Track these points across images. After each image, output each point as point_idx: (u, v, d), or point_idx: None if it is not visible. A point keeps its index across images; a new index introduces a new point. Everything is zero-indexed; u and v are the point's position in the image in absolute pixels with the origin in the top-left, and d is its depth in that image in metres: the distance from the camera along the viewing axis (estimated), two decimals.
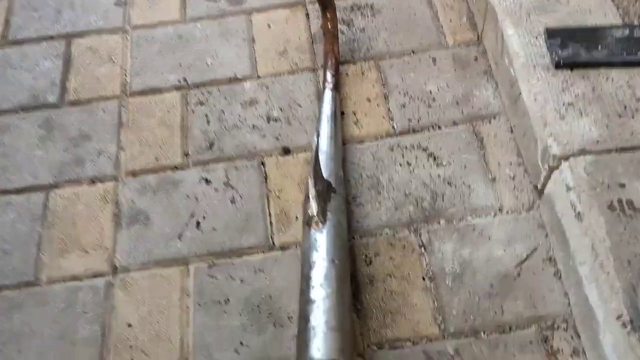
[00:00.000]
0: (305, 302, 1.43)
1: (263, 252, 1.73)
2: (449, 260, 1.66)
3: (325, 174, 1.66)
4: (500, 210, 1.73)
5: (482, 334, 1.55)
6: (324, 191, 1.62)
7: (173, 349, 1.59)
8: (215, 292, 1.67)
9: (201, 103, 2.04)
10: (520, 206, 1.73)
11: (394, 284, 1.64)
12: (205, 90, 2.07)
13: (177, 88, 2.08)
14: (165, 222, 1.80)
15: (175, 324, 1.63)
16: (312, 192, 1.57)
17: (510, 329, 1.55)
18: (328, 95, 1.91)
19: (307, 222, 1.59)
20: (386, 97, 1.99)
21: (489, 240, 1.68)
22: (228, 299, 1.66)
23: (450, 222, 1.72)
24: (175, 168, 1.91)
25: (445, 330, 1.56)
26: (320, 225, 1.56)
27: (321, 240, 1.54)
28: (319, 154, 1.67)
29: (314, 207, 1.56)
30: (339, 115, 1.90)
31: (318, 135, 1.75)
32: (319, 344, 1.33)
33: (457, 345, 1.53)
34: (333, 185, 1.67)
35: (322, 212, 1.57)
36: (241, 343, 1.58)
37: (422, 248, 1.69)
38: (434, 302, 1.60)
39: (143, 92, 2.08)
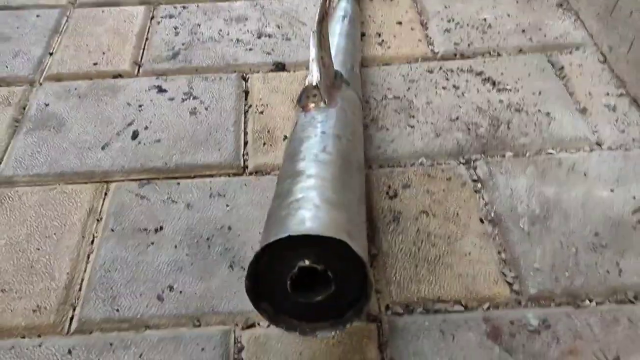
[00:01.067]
0: (287, 176, 0.79)
1: (228, 174, 1.10)
2: (523, 198, 1.02)
3: (335, 65, 1.07)
4: (600, 144, 1.12)
5: (588, 301, 0.88)
6: (331, 67, 1.02)
7: (53, 288, 0.92)
8: (141, 217, 1.02)
9: (171, 16, 1.51)
10: (630, 141, 1.12)
11: (433, 224, 0.99)
12: (179, 5, 1.54)
13: (143, 2, 1.55)
14: (87, 130, 1.19)
15: (65, 255, 0.96)
16: (313, 54, 0.98)
17: (635, 297, 0.88)
18: (343, 1, 1.37)
19: (302, 103, 0.97)
20: (423, 24, 1.45)
21: (586, 178, 1.05)
22: (161, 227, 1.00)
23: (521, 155, 1.11)
24: (119, 76, 1.32)
25: (522, 293, 0.89)
26: (321, 104, 0.95)
27: (322, 118, 0.93)
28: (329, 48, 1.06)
29: (314, 74, 0.96)
30: (358, 19, 1.35)
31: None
32: (307, 215, 0.68)
33: (545, 314, 0.86)
34: (345, 77, 1.08)
35: (326, 90, 0.97)
36: (171, 288, 0.91)
37: (478, 183, 1.06)
38: (500, 252, 0.94)
39: (96, 4, 1.55)
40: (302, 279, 0.70)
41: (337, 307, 0.73)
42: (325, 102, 0.97)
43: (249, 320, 0.88)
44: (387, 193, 1.06)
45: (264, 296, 0.72)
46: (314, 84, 0.97)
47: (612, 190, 1.04)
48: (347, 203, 0.74)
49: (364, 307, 0.72)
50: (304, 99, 0.99)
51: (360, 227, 0.75)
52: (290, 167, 0.81)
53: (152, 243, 0.99)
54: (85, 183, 1.10)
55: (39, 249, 0.98)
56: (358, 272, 0.70)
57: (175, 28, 1.47)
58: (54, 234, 1.00)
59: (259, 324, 0.88)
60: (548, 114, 1.19)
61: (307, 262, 0.68)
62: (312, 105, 0.97)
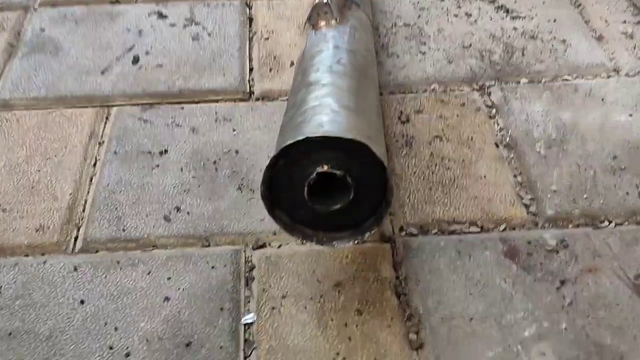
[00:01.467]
0: (300, 87, 0.75)
1: (234, 100, 1.06)
2: (540, 123, 0.99)
3: None
4: (617, 71, 1.09)
5: (606, 222, 0.85)
6: None
7: (56, 208, 0.88)
8: (146, 141, 0.98)
9: None
10: None
11: (447, 149, 0.96)
12: None
13: None
14: (85, 55, 1.14)
15: (67, 176, 0.92)
16: None
17: None
18: None
19: (312, 20, 0.93)
20: None
21: (604, 103, 1.02)
22: (166, 150, 0.97)
23: (537, 81, 1.07)
24: (117, 2, 1.27)
25: (540, 214, 0.87)
26: (332, 21, 0.91)
27: (334, 34, 0.88)
28: None
29: None
30: None
31: None
32: (325, 120, 0.64)
33: (563, 235, 0.83)
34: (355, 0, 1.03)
35: (338, 8, 0.92)
36: (178, 209, 0.88)
37: (493, 109, 1.03)
38: (515, 175, 0.92)
39: None
40: (319, 187, 0.67)
41: (355, 216, 0.70)
42: (336, 20, 0.93)
43: (260, 240, 0.85)
44: (399, 118, 1.03)
45: (280, 204, 0.70)
46: (325, 0, 0.93)
47: (630, 115, 1.01)
48: (366, 110, 0.71)
49: (384, 214, 0.69)
50: (314, 16, 0.94)
51: (380, 134, 0.72)
52: (303, 79, 0.77)
53: (157, 166, 0.95)
54: (85, 107, 1.06)
55: (39, 171, 0.94)
56: (378, 178, 0.67)
57: None
58: (55, 155, 0.97)
59: (269, 245, 0.85)
60: (564, 41, 1.16)
61: (325, 168, 0.65)
62: (322, 23, 0.93)
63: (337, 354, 0.72)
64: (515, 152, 0.97)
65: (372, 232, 0.71)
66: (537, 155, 0.96)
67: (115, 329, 0.75)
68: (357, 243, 0.72)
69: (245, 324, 0.76)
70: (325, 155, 0.65)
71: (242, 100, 1.08)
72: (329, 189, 0.68)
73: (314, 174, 0.65)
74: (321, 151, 0.65)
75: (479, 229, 0.87)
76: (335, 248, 0.73)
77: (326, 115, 0.65)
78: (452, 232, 0.86)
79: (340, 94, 0.70)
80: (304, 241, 0.71)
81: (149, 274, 0.81)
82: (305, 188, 0.66)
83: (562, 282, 0.79)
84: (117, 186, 0.92)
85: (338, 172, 0.65)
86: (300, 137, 0.63)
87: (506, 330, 0.74)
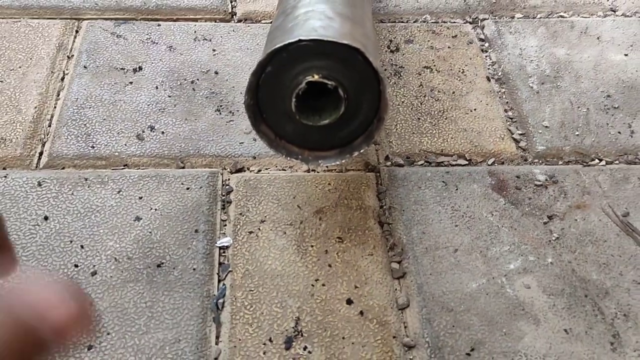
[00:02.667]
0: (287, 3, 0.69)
1: (214, 20, 1.00)
2: (533, 58, 0.95)
3: None
4: (614, 10, 1.05)
5: (597, 160, 0.82)
6: None
7: (19, 121, 0.82)
8: (118, 57, 0.91)
9: None
10: None
11: (437, 80, 0.91)
12: None
13: None
14: None
15: (32, 89, 0.86)
16: None
17: None
18: None
19: None
20: None
21: (599, 42, 0.98)
22: (140, 67, 0.90)
23: (532, 16, 1.03)
24: None
25: (530, 149, 0.84)
26: None
27: None
28: None
29: None
30: None
31: None
32: (318, 25, 0.59)
33: (552, 171, 0.80)
34: None
35: None
36: (152, 128, 0.82)
37: (486, 42, 0.99)
38: (507, 110, 0.88)
39: None
40: (307, 100, 0.62)
41: (344, 134, 0.66)
42: None
43: (238, 164, 0.81)
44: (389, 47, 0.98)
45: (264, 117, 0.65)
46: None
47: (626, 55, 0.97)
48: (361, 20, 0.65)
49: (375, 132, 0.65)
50: None
51: (376, 46, 0.67)
52: None
53: (131, 83, 0.90)
54: (54, 18, 0.99)
55: (2, 81, 0.88)
56: (371, 92, 0.62)
57: None
58: (19, 67, 0.90)
59: (248, 169, 0.81)
60: None
61: (316, 77, 0.60)
62: None
63: (316, 280, 0.69)
64: (507, 86, 0.93)
65: (362, 151, 0.66)
66: (530, 90, 0.92)
67: (82, 246, 0.70)
68: (344, 162, 0.68)
69: (220, 247, 0.72)
70: (316, 63, 0.60)
71: (223, 20, 1.01)
72: (317, 103, 0.63)
73: (304, 84, 0.60)
74: (313, 58, 0.60)
75: (467, 162, 0.83)
76: (321, 167, 0.68)
77: (320, 20, 0.60)
78: (440, 164, 0.83)
79: (334, 1, 0.65)
80: (289, 158, 0.67)
81: (119, 192, 0.76)
82: (293, 99, 0.61)
83: (550, 218, 0.76)
84: (86, 102, 0.86)
85: (330, 83, 0.60)
86: (292, 40, 0.58)
87: (491, 262, 0.72)
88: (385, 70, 0.94)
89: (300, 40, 0.58)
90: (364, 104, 0.63)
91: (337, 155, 0.66)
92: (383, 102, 0.62)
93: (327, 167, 0.76)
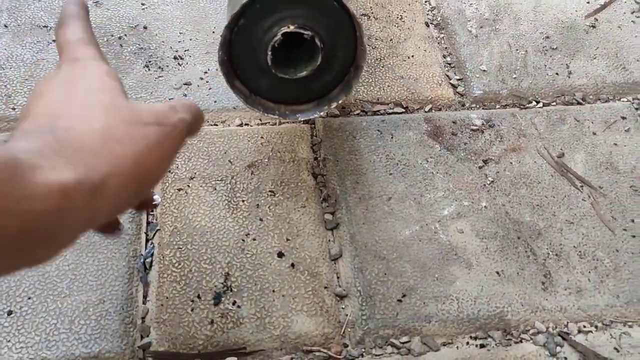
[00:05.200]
0: None
1: None
2: (473, 2, 0.94)
3: None
4: None
5: (534, 102, 0.82)
6: None
7: None
8: (42, 14, 0.88)
9: None
10: None
11: (375, 27, 0.90)
12: None
13: None
14: None
15: None
16: None
17: (583, 99, 0.82)
18: None
19: None
20: None
21: None
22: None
23: None
24: None
25: (467, 95, 0.82)
26: None
27: None
28: None
29: None
30: None
31: None
32: None
33: (489, 115, 0.79)
34: None
35: None
36: None
37: None
38: (445, 55, 0.86)
39: None
40: (281, 52, 0.60)
41: (320, 86, 0.64)
42: None
43: None
44: None
45: (239, 74, 0.62)
46: None
47: None
48: None
49: (353, 82, 0.62)
50: None
51: None
52: None
53: (54, 41, 0.85)
54: None
55: None
56: (347, 40, 0.60)
57: None
58: None
59: None
60: None
61: (292, 28, 0.57)
62: None
63: (247, 234, 0.68)
64: (446, 31, 0.91)
65: (340, 102, 0.64)
66: (468, 34, 0.90)
67: None
68: (319, 115, 0.66)
69: None
70: (290, 13, 0.58)
71: None
72: (291, 54, 0.60)
73: (279, 35, 0.57)
74: (286, 7, 0.57)
75: (403, 110, 0.82)
76: (299, 121, 0.65)
77: None
78: (376, 113, 0.81)
79: None
80: (266, 114, 0.64)
81: None
82: (269, 53, 0.58)
83: (485, 162, 0.76)
84: (7, 62, 0.83)
85: (306, 33, 0.58)
86: None
87: (425, 209, 0.71)
88: None
89: None
90: (340, 52, 0.61)
91: (315, 108, 0.64)
92: (360, 49, 0.60)
93: (302, 120, 0.73)
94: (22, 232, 0.25)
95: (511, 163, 0.76)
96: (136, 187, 0.31)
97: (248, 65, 0.61)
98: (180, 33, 0.89)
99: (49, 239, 0.27)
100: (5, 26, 0.87)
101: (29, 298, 0.62)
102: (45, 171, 0.26)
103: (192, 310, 0.62)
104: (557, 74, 0.86)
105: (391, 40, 0.89)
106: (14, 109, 0.78)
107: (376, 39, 0.89)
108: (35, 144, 0.28)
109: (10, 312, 0.60)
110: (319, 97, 0.65)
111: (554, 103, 0.83)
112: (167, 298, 0.63)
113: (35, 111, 0.31)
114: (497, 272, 0.66)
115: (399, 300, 0.64)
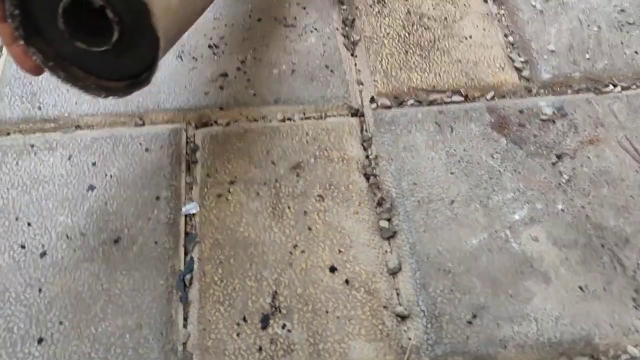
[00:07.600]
0: None
1: None
2: None
3: None
4: None
5: (611, 86, 0.73)
6: None
7: None
8: None
9: None
10: None
11: (427, 5, 0.82)
12: None
13: None
14: None
15: None
16: None
17: None
18: None
19: None
20: None
21: None
22: None
23: None
24: None
25: (534, 79, 0.73)
26: None
27: None
28: None
29: None
30: None
31: None
32: None
33: (560, 102, 0.70)
34: None
35: None
36: None
37: None
38: (506, 35, 0.77)
39: None
40: (83, 18, 0.51)
41: (129, 63, 0.55)
42: None
43: (204, 117, 0.72)
44: None
45: (39, 31, 0.54)
46: None
47: None
48: None
49: (154, 69, 0.53)
50: None
51: None
52: None
53: None
54: None
55: None
56: (147, 29, 0.51)
57: None
58: None
59: (216, 122, 0.72)
60: None
61: None
62: None
63: (295, 246, 0.61)
64: (507, 7, 0.82)
65: (147, 84, 0.54)
66: (533, 10, 0.81)
67: (29, 224, 0.62)
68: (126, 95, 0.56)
69: (186, 215, 0.63)
70: None
71: None
72: (103, 24, 0.52)
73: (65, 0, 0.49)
74: None
75: (462, 98, 0.74)
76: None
77: None
78: (432, 102, 0.73)
79: None
80: (67, 83, 0.55)
81: (69, 159, 0.67)
82: (60, 13, 0.50)
83: (559, 157, 0.67)
84: None
85: (96, 1, 0.49)
86: None
87: (493, 213, 0.63)
88: None
89: None
90: (143, 32, 0.52)
91: (125, 89, 0.56)
92: (153, 28, 0.50)
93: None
94: None
95: (589, 158, 0.67)
96: None
97: (50, 25, 0.53)
98: (214, 18, 0.81)
99: None
100: None
101: (61, 323, 0.56)
102: None
103: (237, 335, 0.56)
104: (636, 52, 0.76)
105: (445, 19, 0.81)
106: (40, 108, 0.72)
107: (429, 18, 0.81)
108: None
109: (40, 340, 0.55)
110: (131, 77, 0.56)
111: (634, 86, 0.74)
112: (209, 321, 0.57)
113: None
114: (580, 287, 0.58)
115: (469, 322, 0.56)
